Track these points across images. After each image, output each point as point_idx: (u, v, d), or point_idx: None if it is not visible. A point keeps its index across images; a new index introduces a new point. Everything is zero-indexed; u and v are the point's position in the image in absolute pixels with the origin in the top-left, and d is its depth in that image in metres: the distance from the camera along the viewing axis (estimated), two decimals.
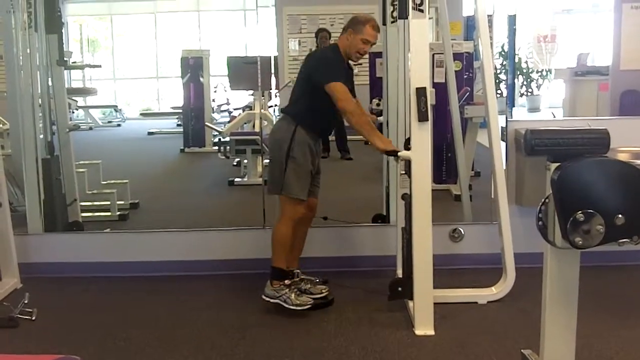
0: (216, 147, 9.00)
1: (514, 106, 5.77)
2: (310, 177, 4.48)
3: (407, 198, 4.22)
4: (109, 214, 6.52)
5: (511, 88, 6.08)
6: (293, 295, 4.40)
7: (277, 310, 4.44)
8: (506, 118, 5.06)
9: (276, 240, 4.46)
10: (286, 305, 4.37)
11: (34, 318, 4.36)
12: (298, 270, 4.58)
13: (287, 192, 4.39)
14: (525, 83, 13.67)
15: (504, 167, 4.70)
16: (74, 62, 11.72)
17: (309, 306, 4.40)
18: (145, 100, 14.13)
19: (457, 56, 6.59)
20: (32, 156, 5.40)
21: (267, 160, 4.57)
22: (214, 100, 10.71)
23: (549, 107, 13.22)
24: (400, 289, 4.31)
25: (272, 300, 4.42)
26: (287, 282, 4.44)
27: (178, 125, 11.20)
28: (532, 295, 4.22)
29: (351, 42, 4.42)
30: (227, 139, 8.29)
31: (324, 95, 4.28)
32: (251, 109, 8.76)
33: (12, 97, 5.68)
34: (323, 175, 4.68)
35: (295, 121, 4.41)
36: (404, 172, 4.31)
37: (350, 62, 4.54)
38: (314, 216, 4.70)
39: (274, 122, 4.77)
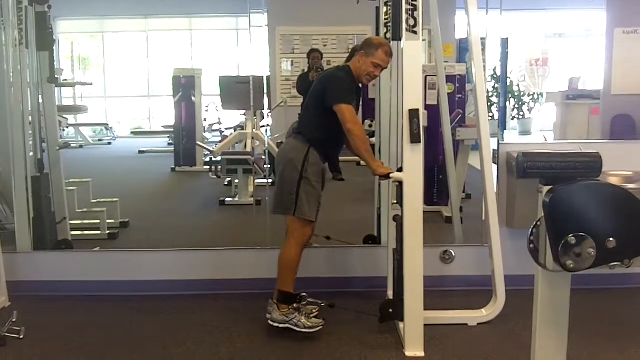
0: (207, 167, 8.98)
1: (505, 129, 5.77)
2: (318, 199, 4.46)
3: (398, 219, 4.21)
4: (98, 232, 6.48)
5: (503, 111, 6.09)
6: (304, 318, 4.34)
7: (266, 331, 4.42)
8: (498, 141, 5.07)
9: (284, 264, 4.40)
10: (297, 329, 4.32)
11: (22, 337, 4.34)
12: (305, 294, 4.49)
13: (299, 214, 4.35)
14: (517, 106, 13.71)
15: (495, 190, 4.70)
16: (65, 80, 11.71)
17: (321, 327, 4.35)
18: (136, 119, 14.09)
19: (449, 78, 6.61)
20: (21, 174, 5.38)
21: (276, 178, 4.50)
22: (205, 120, 10.70)
23: (540, 131, 13.26)
24: (391, 310, 4.30)
25: (281, 326, 4.36)
26: (295, 305, 4.38)
27: (169, 144, 11.17)
28: (522, 317, 4.22)
29: (362, 64, 4.42)
30: (219, 158, 8.27)
31: (337, 119, 4.29)
32: (243, 129, 8.75)
33: (2, 114, 5.66)
34: None
35: (308, 143, 4.41)
36: (395, 201, 4.32)
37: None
38: (311, 238, 4.65)
39: (285, 141, 4.73)
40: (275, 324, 4.37)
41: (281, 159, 4.51)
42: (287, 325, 4.35)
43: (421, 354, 4.06)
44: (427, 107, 6.05)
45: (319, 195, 4.45)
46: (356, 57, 4.48)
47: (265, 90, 6.88)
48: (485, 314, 4.60)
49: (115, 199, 6.97)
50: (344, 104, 4.28)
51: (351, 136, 4.31)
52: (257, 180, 7.71)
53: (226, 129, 10.35)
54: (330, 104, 4.31)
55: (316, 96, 4.46)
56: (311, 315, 4.46)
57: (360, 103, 4.68)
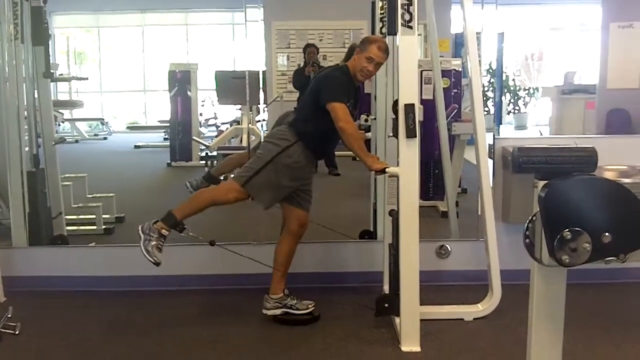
0: (203, 162, 8.96)
1: (501, 123, 5.77)
2: (280, 193, 4.48)
3: (394, 214, 4.22)
4: (94, 227, 6.47)
5: (498, 105, 6.09)
6: (156, 250, 4.39)
7: (264, 326, 4.43)
8: (493, 135, 5.08)
9: (193, 199, 4.59)
10: (142, 249, 4.37)
11: (17, 332, 4.33)
12: (186, 227, 4.56)
13: (249, 190, 4.43)
14: (512, 101, 13.70)
15: (491, 184, 4.71)
16: (61, 75, 11.67)
17: (154, 262, 4.37)
18: (132, 114, 14.05)
19: (445, 73, 6.59)
20: (17, 169, 5.37)
21: (254, 152, 4.55)
22: (201, 115, 10.67)
23: (536, 125, 13.26)
24: (386, 305, 4.30)
25: (142, 235, 4.42)
26: (164, 232, 4.44)
27: (165, 139, 11.13)
28: (518, 312, 4.23)
29: (358, 61, 4.43)
30: (215, 153, 8.26)
31: (331, 118, 4.30)
32: (239, 124, 8.74)
33: None
34: None
35: (297, 137, 4.43)
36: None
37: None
38: (305, 231, 4.65)
39: (278, 127, 4.74)
40: (140, 233, 4.45)
41: (267, 141, 4.60)
42: (143, 239, 4.41)
43: (417, 349, 4.07)
44: (422, 101, 6.04)
45: (279, 187, 4.45)
46: (354, 56, 4.48)
47: (261, 85, 6.87)
48: (481, 308, 4.60)
49: (111, 194, 6.96)
50: (336, 102, 4.29)
51: (344, 135, 4.30)
52: None
53: (222, 123, 10.34)
54: (323, 102, 4.32)
55: (312, 95, 4.47)
56: (306, 311, 4.49)
57: (358, 103, 4.68)
